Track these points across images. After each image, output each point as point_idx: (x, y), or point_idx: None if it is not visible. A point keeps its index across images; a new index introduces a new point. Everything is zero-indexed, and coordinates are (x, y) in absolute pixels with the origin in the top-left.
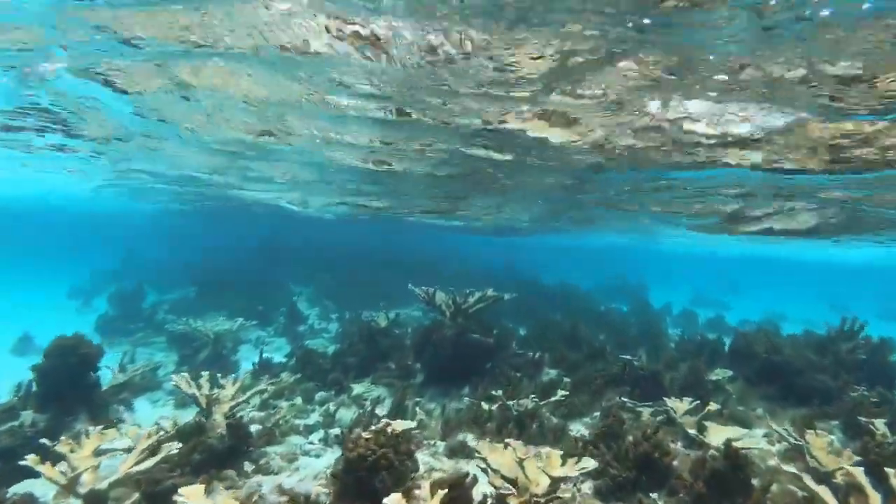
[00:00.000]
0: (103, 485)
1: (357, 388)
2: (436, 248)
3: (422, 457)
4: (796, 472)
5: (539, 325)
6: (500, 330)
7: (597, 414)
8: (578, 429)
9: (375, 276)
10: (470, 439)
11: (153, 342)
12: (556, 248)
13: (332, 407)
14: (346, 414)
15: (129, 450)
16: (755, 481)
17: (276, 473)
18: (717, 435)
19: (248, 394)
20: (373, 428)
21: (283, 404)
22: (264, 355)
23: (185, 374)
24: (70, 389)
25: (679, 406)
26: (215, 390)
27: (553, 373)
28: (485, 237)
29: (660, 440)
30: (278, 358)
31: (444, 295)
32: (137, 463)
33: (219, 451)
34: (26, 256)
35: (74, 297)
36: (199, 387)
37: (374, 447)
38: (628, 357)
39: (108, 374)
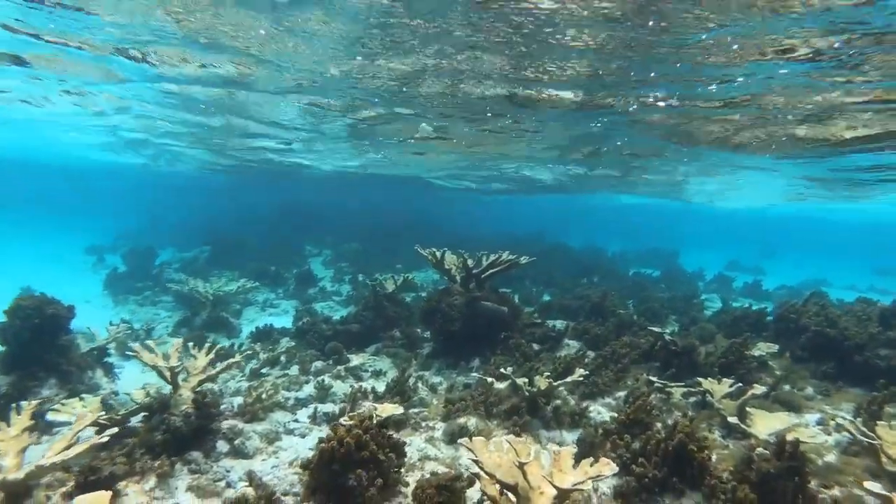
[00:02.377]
0: (19, 475)
1: (357, 359)
2: (461, 211)
3: (417, 442)
4: (878, 491)
5: (563, 291)
6: (521, 295)
7: (621, 394)
8: (600, 411)
9: (397, 239)
10: (473, 423)
11: (160, 301)
12: (586, 211)
13: (327, 379)
14: (342, 387)
15: (93, 425)
16: (813, 484)
17: (251, 457)
18: (763, 423)
19: (222, 365)
20: (355, 413)
21: (275, 374)
22: (269, 318)
23: (150, 343)
24: (37, 352)
25: (717, 388)
26: (180, 362)
27: (575, 345)
28: (513, 196)
29: (695, 432)
30: (284, 321)
31: (454, 257)
32: (67, 448)
33: (183, 431)
34: (51, 212)
35: (92, 253)
36: (164, 357)
37: (354, 437)
38: (658, 330)
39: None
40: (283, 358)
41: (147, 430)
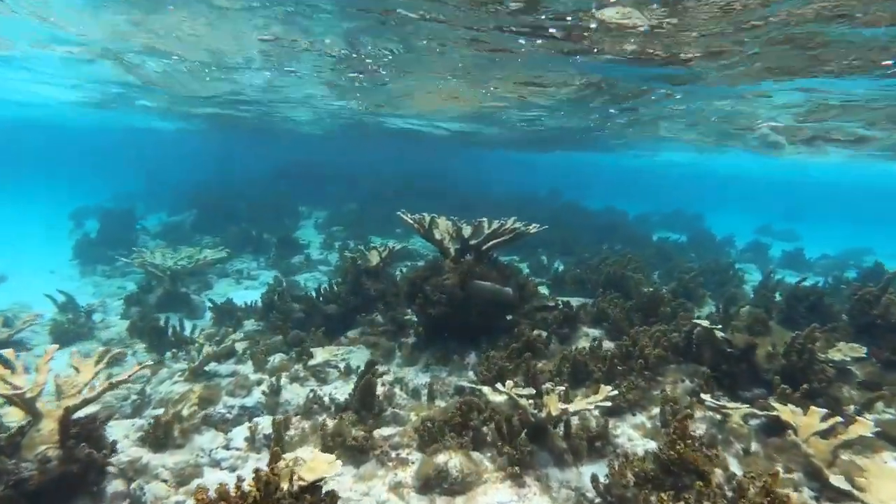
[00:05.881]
0: None
1: (323, 353)
2: (472, 172)
3: (378, 489)
4: None
5: (579, 261)
6: (531, 264)
7: (656, 411)
8: (630, 436)
9: (400, 201)
10: (456, 463)
11: (131, 272)
12: (604, 171)
13: (281, 381)
14: (300, 392)
15: None
16: None
17: None
18: (880, 485)
19: (103, 384)
20: (260, 473)
21: (223, 371)
22: (245, 293)
23: (7, 352)
24: None
25: (802, 421)
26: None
27: (594, 333)
28: (529, 154)
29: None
30: (258, 296)
31: (447, 224)
32: None
33: (32, 485)
34: (39, 173)
35: (74, 217)
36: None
37: None
38: (707, 324)
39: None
40: (239, 348)
41: None
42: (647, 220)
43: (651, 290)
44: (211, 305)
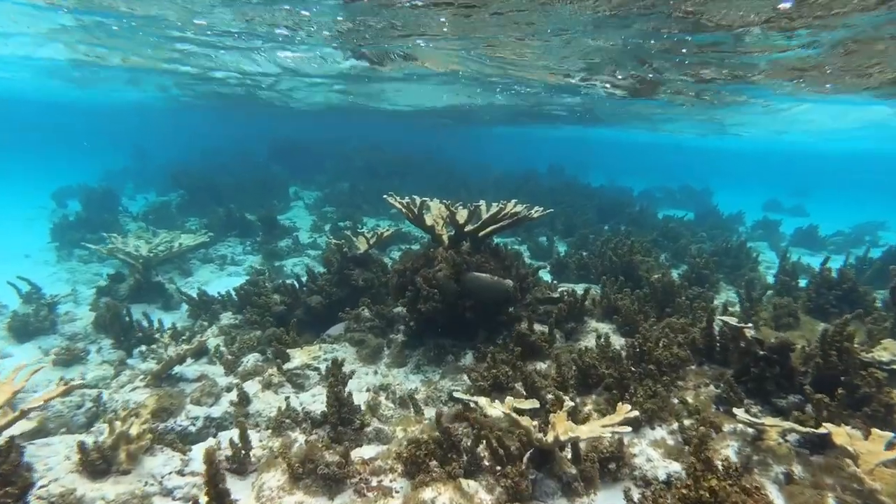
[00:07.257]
0: None
1: (300, 355)
2: (470, 149)
3: None
4: None
5: (582, 242)
6: (530, 246)
7: (675, 426)
8: (650, 456)
9: (397, 180)
10: (444, 502)
11: (111, 258)
12: (605, 147)
13: (252, 387)
14: (273, 401)
15: None
16: None
17: None
18: None
19: (13, 414)
20: None
21: (190, 374)
22: (229, 280)
23: None
24: None
25: (862, 447)
26: None
27: (603, 329)
28: (528, 129)
29: None
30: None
31: (441, 208)
32: None
33: None
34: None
35: (56, 197)
36: None
37: None
38: (735, 322)
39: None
40: (212, 345)
41: None
42: (652, 196)
43: (661, 275)
44: (185, 298)
